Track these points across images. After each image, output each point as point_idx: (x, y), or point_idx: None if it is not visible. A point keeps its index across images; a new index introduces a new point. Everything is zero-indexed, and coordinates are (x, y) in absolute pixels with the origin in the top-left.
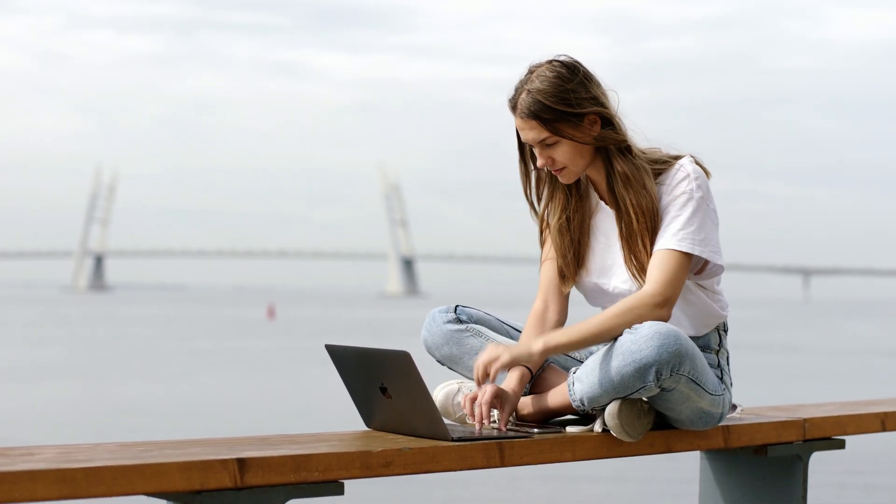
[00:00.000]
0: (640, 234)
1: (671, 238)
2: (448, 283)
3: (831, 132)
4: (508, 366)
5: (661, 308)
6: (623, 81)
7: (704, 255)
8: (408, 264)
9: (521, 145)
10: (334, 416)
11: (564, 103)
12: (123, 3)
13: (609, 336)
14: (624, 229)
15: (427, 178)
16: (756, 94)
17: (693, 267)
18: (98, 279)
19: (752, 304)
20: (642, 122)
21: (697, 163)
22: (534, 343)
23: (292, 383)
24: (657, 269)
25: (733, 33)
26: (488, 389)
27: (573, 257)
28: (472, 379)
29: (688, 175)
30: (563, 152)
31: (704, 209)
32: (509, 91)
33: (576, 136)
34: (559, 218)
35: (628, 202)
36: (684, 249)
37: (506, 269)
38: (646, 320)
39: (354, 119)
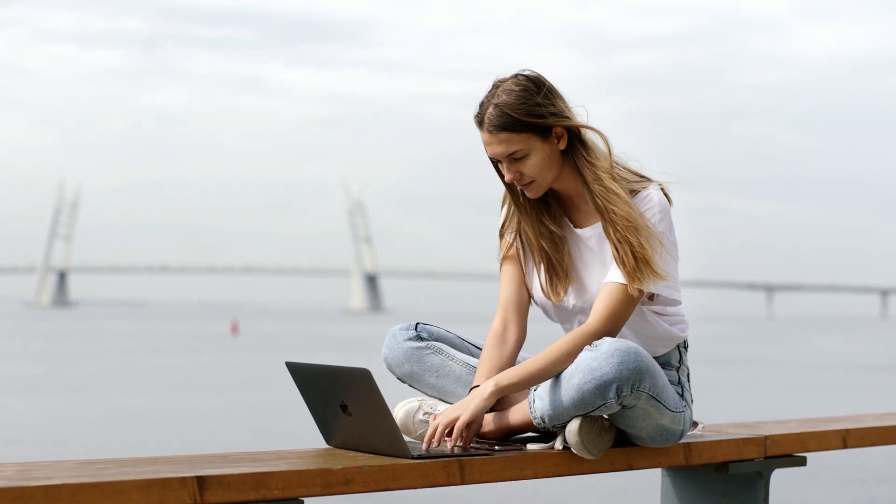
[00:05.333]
0: (621, 240)
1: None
2: (412, 298)
3: (796, 147)
4: (470, 422)
5: None
6: (591, 96)
7: (653, 290)
8: (371, 280)
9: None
10: (295, 433)
11: (532, 115)
12: (88, 17)
13: (554, 373)
14: (612, 234)
15: (391, 193)
16: (722, 109)
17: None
18: (61, 295)
19: (715, 321)
20: (610, 137)
21: (663, 190)
22: (485, 387)
23: (255, 400)
24: (601, 304)
25: (700, 48)
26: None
27: (562, 269)
28: (433, 396)
29: (652, 206)
30: (532, 165)
31: (664, 243)
32: (475, 108)
33: (544, 149)
34: (540, 232)
35: (609, 211)
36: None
37: (469, 285)
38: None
39: (319, 134)
